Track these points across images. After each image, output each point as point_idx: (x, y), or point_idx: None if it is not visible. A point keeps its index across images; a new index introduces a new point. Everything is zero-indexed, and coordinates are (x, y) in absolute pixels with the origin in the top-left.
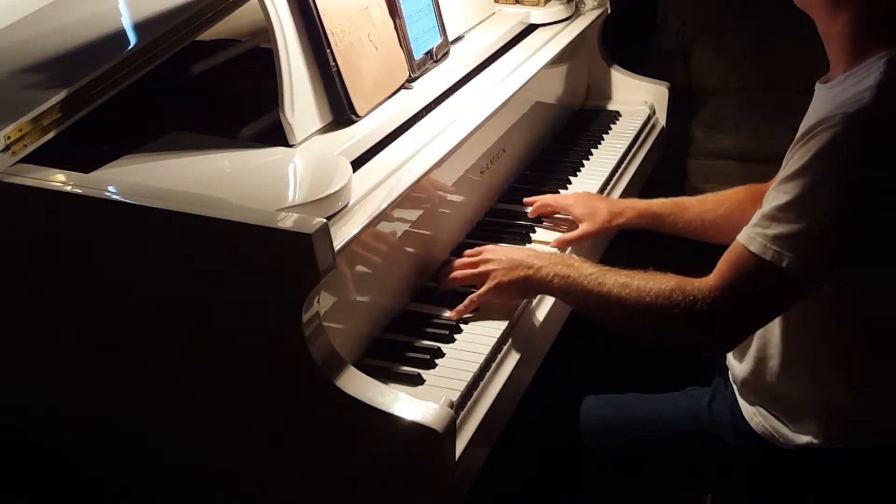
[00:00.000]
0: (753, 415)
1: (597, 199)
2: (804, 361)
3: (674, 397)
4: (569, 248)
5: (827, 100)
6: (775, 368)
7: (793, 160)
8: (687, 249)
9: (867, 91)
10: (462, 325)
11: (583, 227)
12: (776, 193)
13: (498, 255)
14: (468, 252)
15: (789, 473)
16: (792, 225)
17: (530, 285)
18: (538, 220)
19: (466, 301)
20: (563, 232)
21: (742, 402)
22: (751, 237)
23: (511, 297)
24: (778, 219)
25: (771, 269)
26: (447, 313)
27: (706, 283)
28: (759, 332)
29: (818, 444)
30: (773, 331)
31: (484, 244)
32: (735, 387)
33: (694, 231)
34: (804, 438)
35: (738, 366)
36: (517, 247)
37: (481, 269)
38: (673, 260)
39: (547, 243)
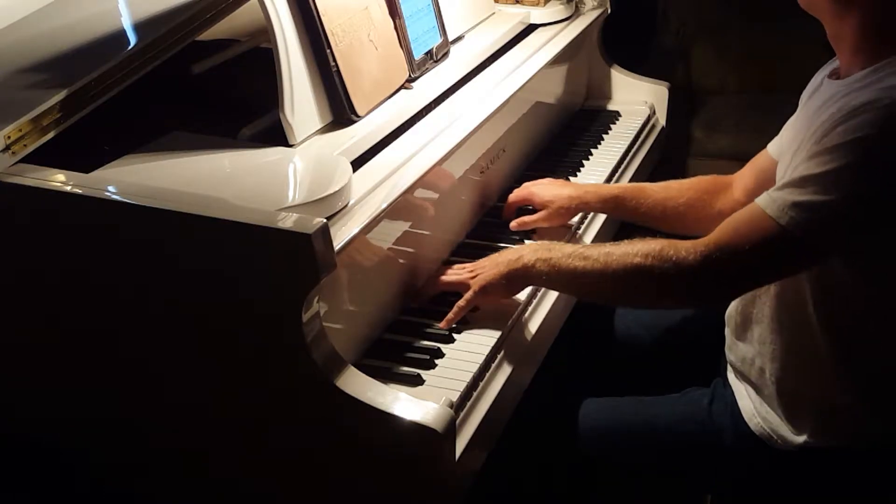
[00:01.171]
0: (753, 415)
1: (561, 185)
2: (805, 361)
3: (673, 399)
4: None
5: (852, 92)
6: (775, 367)
7: (832, 135)
8: None
9: (878, 82)
10: (462, 326)
11: (541, 213)
12: (807, 164)
13: (485, 262)
14: (461, 265)
15: (789, 475)
16: (817, 195)
17: (514, 277)
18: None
19: (454, 308)
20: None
21: (741, 403)
22: (771, 199)
23: (498, 294)
24: (803, 187)
25: (782, 233)
26: (438, 324)
27: (700, 241)
28: (759, 331)
29: (816, 444)
30: (773, 330)
31: (484, 244)
32: (734, 387)
33: (654, 218)
34: (802, 438)
35: (737, 365)
36: (504, 250)
37: (465, 276)
38: None
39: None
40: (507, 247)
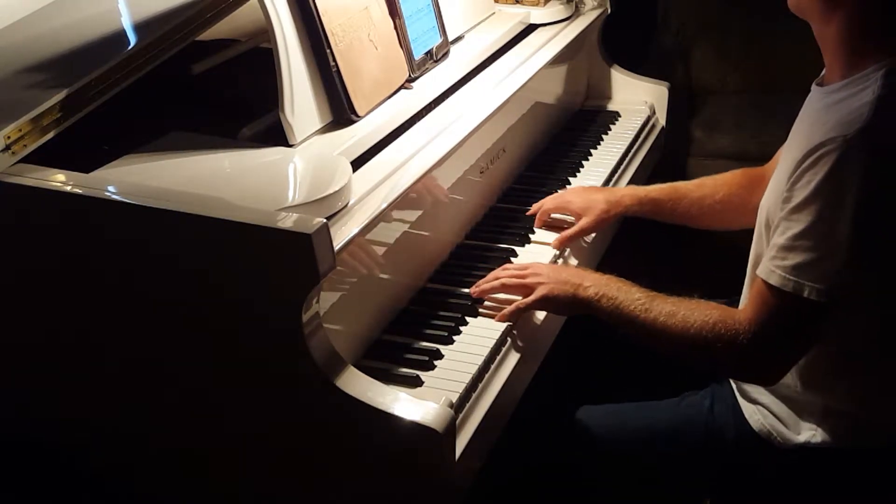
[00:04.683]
0: (753, 413)
1: (594, 191)
2: (806, 364)
3: (672, 403)
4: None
5: (823, 109)
6: (793, 377)
7: (799, 186)
8: (687, 239)
9: (866, 107)
10: (461, 327)
11: (581, 222)
12: (788, 223)
13: (546, 270)
14: (514, 265)
15: (790, 474)
16: (809, 253)
17: (578, 302)
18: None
19: (513, 307)
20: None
21: (742, 401)
22: (769, 271)
23: (558, 309)
24: (794, 249)
25: (794, 300)
26: (495, 317)
27: (745, 315)
28: None
29: (816, 444)
30: None
31: (484, 245)
32: (734, 386)
33: (693, 217)
34: (801, 438)
35: None
36: (562, 265)
37: (529, 280)
38: (673, 250)
39: (547, 244)
40: (508, 248)
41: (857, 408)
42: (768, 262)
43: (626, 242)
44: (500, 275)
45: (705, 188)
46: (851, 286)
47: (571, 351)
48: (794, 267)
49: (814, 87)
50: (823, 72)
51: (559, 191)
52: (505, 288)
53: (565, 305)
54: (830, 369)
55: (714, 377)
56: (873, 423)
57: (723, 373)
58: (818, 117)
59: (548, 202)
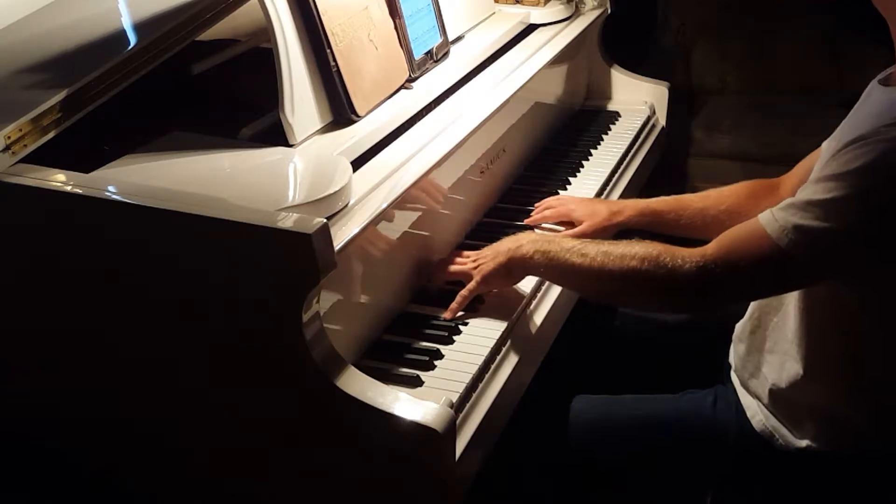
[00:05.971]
0: (755, 412)
1: (597, 202)
2: (812, 377)
3: (673, 398)
4: None
5: (884, 104)
6: (782, 379)
7: (839, 160)
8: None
9: None
10: (461, 327)
11: (582, 226)
12: (813, 188)
13: (490, 249)
14: (467, 252)
15: (791, 475)
16: (819, 222)
17: (513, 266)
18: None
19: (458, 298)
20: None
21: (744, 401)
22: (772, 219)
23: (500, 283)
24: (806, 211)
25: (780, 254)
26: (443, 314)
27: (698, 250)
28: (769, 344)
29: (818, 448)
30: (785, 346)
31: (484, 245)
32: (736, 386)
33: (696, 228)
34: (804, 442)
35: (742, 371)
36: (511, 236)
37: (469, 265)
38: None
39: None
40: None
41: (860, 414)
42: (776, 211)
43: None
44: (450, 263)
45: (710, 199)
46: (839, 267)
47: (572, 347)
48: (798, 226)
49: (875, 83)
50: (889, 70)
51: (560, 192)
52: (449, 275)
53: (506, 274)
54: (835, 375)
55: (719, 377)
56: (875, 429)
57: (661, 304)
58: (877, 110)
59: (550, 211)
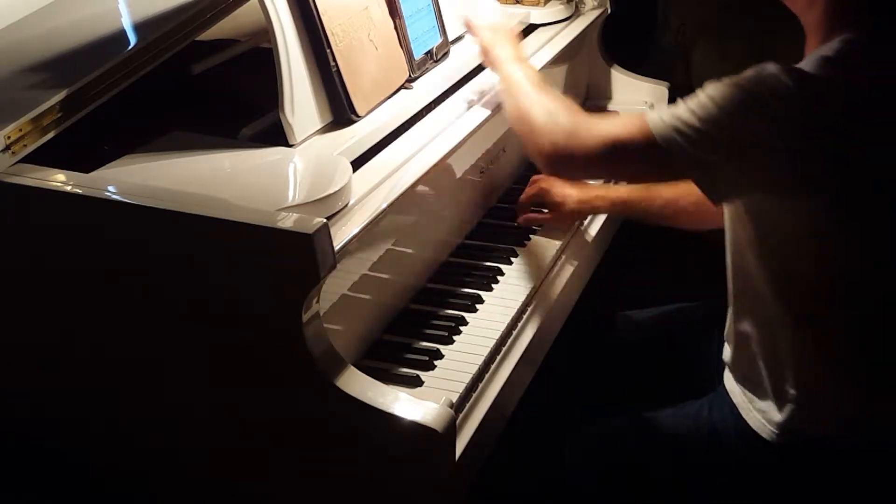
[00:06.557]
0: (749, 410)
1: (570, 187)
2: (806, 364)
3: (671, 413)
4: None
5: None
6: (764, 358)
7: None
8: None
9: (812, 56)
10: (461, 327)
11: (550, 218)
12: (703, 95)
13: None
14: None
15: (791, 474)
16: (680, 109)
17: (487, 53)
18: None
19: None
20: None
21: (736, 400)
22: (658, 117)
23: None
24: (677, 105)
25: (654, 146)
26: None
27: (586, 122)
28: (745, 326)
29: (817, 441)
30: (776, 329)
31: (484, 244)
32: (727, 384)
33: (667, 217)
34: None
35: (734, 360)
36: None
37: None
38: (673, 256)
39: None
40: (508, 247)
41: (859, 408)
42: (659, 111)
43: (627, 243)
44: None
45: (679, 188)
46: (690, 161)
47: (572, 358)
48: (672, 124)
49: None
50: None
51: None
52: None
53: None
54: (830, 370)
55: (712, 385)
56: (876, 423)
57: (532, 148)
58: None
59: (526, 193)
